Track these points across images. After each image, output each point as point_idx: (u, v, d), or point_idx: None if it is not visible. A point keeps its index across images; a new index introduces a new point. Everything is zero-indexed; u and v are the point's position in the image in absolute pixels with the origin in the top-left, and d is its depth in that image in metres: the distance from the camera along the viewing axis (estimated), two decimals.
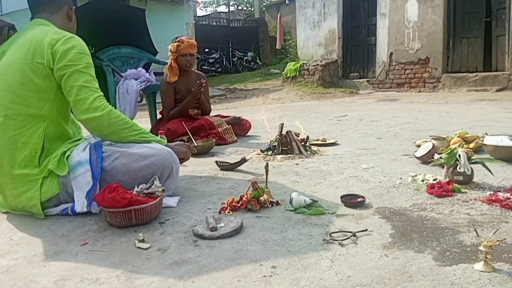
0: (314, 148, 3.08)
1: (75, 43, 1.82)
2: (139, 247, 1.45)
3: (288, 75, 11.36)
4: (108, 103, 1.85)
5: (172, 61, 3.75)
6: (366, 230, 1.51)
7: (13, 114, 1.77)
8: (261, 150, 3.07)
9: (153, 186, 1.76)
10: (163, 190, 1.77)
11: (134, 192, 1.71)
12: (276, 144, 2.97)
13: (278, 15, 16.56)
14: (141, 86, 4.17)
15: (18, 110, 1.77)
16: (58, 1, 1.98)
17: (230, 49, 17.63)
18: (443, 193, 1.87)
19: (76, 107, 1.81)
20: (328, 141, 3.36)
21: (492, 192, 1.87)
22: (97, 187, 1.79)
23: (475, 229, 1.41)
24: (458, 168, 2.00)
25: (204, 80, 3.80)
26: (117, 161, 1.84)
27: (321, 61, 10.73)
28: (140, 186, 1.76)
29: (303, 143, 3.02)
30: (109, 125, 1.83)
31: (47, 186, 1.79)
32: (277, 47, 16.54)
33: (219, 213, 1.78)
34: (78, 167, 1.80)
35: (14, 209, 1.88)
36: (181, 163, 2.10)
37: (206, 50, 16.18)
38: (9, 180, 1.80)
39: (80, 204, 1.79)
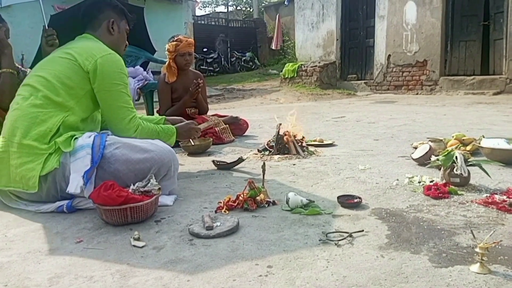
0: (311, 148, 3.08)
1: (117, 63, 2.01)
2: (134, 245, 1.45)
3: (286, 76, 11.36)
4: (139, 120, 2.07)
5: (171, 60, 3.75)
6: (363, 230, 1.51)
7: (42, 97, 1.90)
8: (258, 150, 3.06)
9: (149, 184, 1.76)
10: (159, 189, 1.76)
11: (130, 190, 1.70)
12: (273, 144, 2.97)
13: (277, 16, 16.57)
14: (138, 85, 4.17)
15: (48, 95, 1.90)
16: (97, 19, 2.14)
17: (229, 49, 17.62)
18: (439, 194, 1.87)
19: (112, 123, 2.04)
20: (325, 142, 3.36)
21: (488, 195, 1.87)
22: (94, 170, 1.80)
23: (471, 231, 1.41)
24: (455, 170, 2.01)
25: (202, 80, 3.79)
26: (118, 150, 1.87)
27: (319, 62, 10.74)
28: (136, 184, 1.75)
29: (300, 144, 3.02)
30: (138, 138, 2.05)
31: (50, 162, 1.82)
32: (272, 48, 16.53)
33: (215, 212, 1.77)
34: (80, 150, 1.82)
35: (9, 183, 1.86)
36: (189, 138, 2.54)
37: (205, 49, 16.17)
38: (17, 149, 1.83)
39: (74, 185, 1.77)
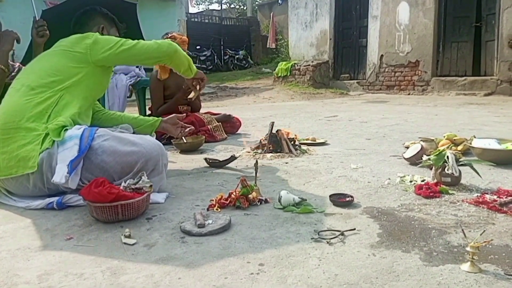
0: (304, 147, 3.09)
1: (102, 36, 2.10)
2: (125, 243, 1.44)
3: (279, 75, 11.37)
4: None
5: None
6: (354, 229, 1.51)
7: (36, 86, 1.94)
8: (251, 148, 3.06)
9: (140, 182, 1.74)
10: (150, 186, 1.75)
11: (121, 187, 1.69)
12: (266, 142, 2.96)
13: (271, 14, 16.57)
14: (130, 81, 4.15)
15: (42, 81, 1.95)
16: (87, 26, 2.23)
17: (222, 47, 17.58)
18: (430, 194, 1.88)
19: (151, 58, 2.14)
20: (317, 141, 3.36)
21: (479, 194, 1.88)
22: (80, 161, 1.78)
23: (462, 230, 1.41)
24: (446, 169, 2.02)
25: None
26: (106, 142, 1.85)
27: (312, 62, 10.76)
28: (128, 181, 1.74)
29: (293, 142, 3.02)
30: (177, 51, 2.19)
31: (45, 142, 1.81)
32: (268, 46, 16.54)
33: (207, 210, 1.77)
34: (68, 141, 1.80)
35: (6, 168, 1.83)
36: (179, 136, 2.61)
37: (198, 47, 16.12)
38: (13, 134, 1.84)
39: (60, 175, 1.74)
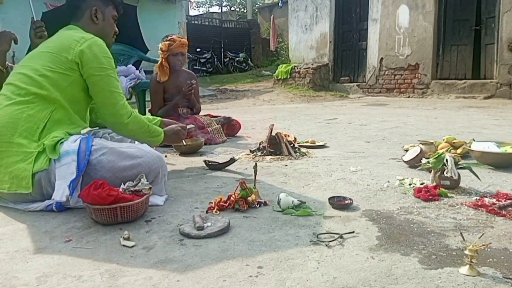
0: (303, 150, 3.09)
1: (103, 47, 1.98)
2: (124, 245, 1.44)
3: (279, 77, 11.39)
4: (131, 108, 2.05)
5: (163, 60, 3.73)
6: (353, 232, 1.51)
7: (26, 94, 1.88)
8: (250, 151, 3.06)
9: (139, 184, 1.75)
10: (149, 188, 1.75)
11: (121, 190, 1.69)
12: (265, 145, 2.96)
13: (272, 17, 16.60)
14: (130, 84, 4.15)
15: (32, 90, 1.88)
16: (79, 9, 2.10)
17: (222, 49, 17.61)
18: (430, 197, 1.88)
19: (104, 108, 1.99)
20: (317, 144, 3.36)
21: (478, 197, 1.88)
22: (80, 178, 1.78)
23: (461, 233, 1.42)
24: (445, 172, 2.02)
25: (195, 82, 3.78)
26: (104, 156, 1.83)
27: (312, 64, 10.77)
28: (127, 184, 1.74)
29: (292, 145, 3.02)
30: (130, 130, 2.04)
31: (40, 161, 1.79)
32: (271, 49, 16.57)
33: (206, 212, 1.77)
34: (65, 156, 1.79)
35: (1, 181, 1.82)
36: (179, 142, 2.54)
37: (198, 50, 16.14)
38: (6, 148, 1.80)
39: (60, 193, 1.75)
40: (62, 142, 1.84)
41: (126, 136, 2.14)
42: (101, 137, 2.16)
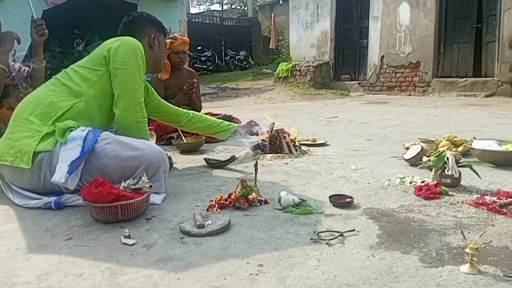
0: (304, 148, 3.08)
1: (134, 45, 2.03)
2: (124, 243, 1.44)
3: (280, 75, 11.38)
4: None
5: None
6: (354, 230, 1.51)
7: (60, 84, 2.00)
8: (250, 148, 3.06)
9: (140, 182, 1.74)
10: (150, 186, 1.75)
11: (121, 188, 1.69)
12: (266, 143, 2.96)
13: (272, 15, 16.58)
14: None
15: (65, 82, 2.00)
16: (137, 35, 2.15)
17: (223, 47, 17.59)
18: (430, 195, 1.88)
19: (120, 101, 2.00)
20: (318, 142, 3.36)
21: (479, 196, 1.88)
22: (82, 162, 1.78)
23: (461, 232, 1.42)
24: (446, 171, 2.02)
25: (196, 80, 3.78)
26: (109, 145, 1.84)
27: (313, 62, 10.77)
28: (128, 182, 1.74)
29: (293, 143, 3.01)
30: (137, 131, 2.04)
31: (46, 141, 1.82)
32: (270, 47, 16.55)
33: (207, 210, 1.77)
34: (72, 141, 1.81)
35: (6, 154, 1.85)
36: None
37: (199, 48, 16.12)
38: (21, 123, 1.88)
39: (60, 174, 1.74)
40: (72, 130, 1.87)
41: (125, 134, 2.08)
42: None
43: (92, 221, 1.66)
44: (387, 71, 9.46)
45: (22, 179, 1.86)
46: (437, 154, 2.11)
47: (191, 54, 15.09)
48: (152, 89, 2.52)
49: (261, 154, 2.92)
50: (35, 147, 1.79)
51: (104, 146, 1.84)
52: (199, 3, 31.11)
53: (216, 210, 1.76)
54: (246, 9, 24.57)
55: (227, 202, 1.80)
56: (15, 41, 2.40)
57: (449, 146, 2.75)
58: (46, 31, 2.48)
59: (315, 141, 3.36)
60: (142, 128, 2.07)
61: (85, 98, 1.98)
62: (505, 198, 1.80)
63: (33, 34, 2.48)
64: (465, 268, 1.19)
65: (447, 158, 2.03)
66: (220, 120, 2.76)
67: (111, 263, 1.30)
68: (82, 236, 1.53)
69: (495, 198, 1.80)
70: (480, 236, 1.30)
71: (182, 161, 2.85)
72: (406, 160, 2.56)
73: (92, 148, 1.80)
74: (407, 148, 2.86)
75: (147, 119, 2.10)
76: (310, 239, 1.44)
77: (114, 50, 1.99)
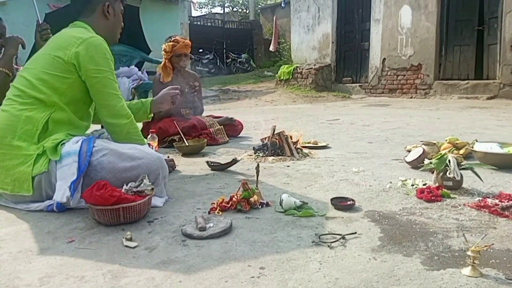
0: (306, 150, 3.09)
1: (101, 48, 1.94)
2: (126, 246, 1.44)
3: (282, 78, 11.38)
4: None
5: (166, 60, 3.74)
6: (355, 233, 1.51)
7: (27, 96, 1.89)
8: (253, 148, 3.06)
9: (142, 185, 1.75)
10: (152, 189, 1.76)
11: (123, 190, 1.69)
12: (268, 145, 2.96)
13: (274, 17, 16.59)
14: (133, 84, 4.16)
15: (31, 94, 1.88)
16: (90, 4, 2.06)
17: (224, 50, 17.62)
18: (432, 198, 1.88)
19: (102, 110, 1.99)
20: (319, 144, 3.36)
21: (481, 198, 1.88)
22: (80, 179, 1.78)
23: (463, 234, 1.41)
24: (447, 173, 2.01)
25: (198, 84, 3.79)
26: (105, 157, 1.83)
27: (314, 65, 10.77)
28: (129, 184, 1.74)
29: (294, 146, 3.02)
30: (127, 133, 2.02)
31: (39, 163, 1.80)
32: (270, 49, 16.55)
33: (209, 213, 1.77)
34: (66, 157, 1.79)
35: (2, 183, 1.85)
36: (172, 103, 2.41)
37: (200, 50, 16.15)
38: (7, 150, 1.82)
39: (61, 194, 1.75)
40: (64, 143, 1.84)
41: (123, 140, 2.02)
42: (105, 138, 2.15)
43: (94, 223, 1.66)
44: (389, 73, 9.45)
45: (24, 199, 1.86)
46: (439, 156, 2.11)
47: (193, 56, 15.11)
48: None
49: (262, 156, 2.92)
50: (31, 173, 1.78)
51: (100, 159, 1.82)
52: (201, 6, 31.20)
53: (218, 212, 1.76)
54: (247, 12, 24.61)
55: (229, 205, 1.80)
56: (20, 45, 2.41)
57: (451, 149, 2.74)
58: (51, 35, 2.49)
59: (317, 144, 3.36)
60: (131, 130, 2.03)
61: (59, 106, 1.91)
62: (507, 200, 1.79)
63: (37, 38, 2.50)
64: (467, 271, 1.19)
65: (449, 161, 2.03)
66: (139, 101, 2.48)
67: (113, 265, 1.30)
68: (84, 238, 1.53)
69: (497, 201, 1.80)
70: (482, 238, 1.30)
71: (183, 163, 2.85)
72: (408, 163, 2.56)
73: (88, 162, 1.79)
74: (409, 151, 2.85)
75: (132, 116, 2.04)
76: (312, 242, 1.44)
77: (84, 57, 1.88)
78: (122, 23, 2.21)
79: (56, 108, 1.91)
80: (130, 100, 4.20)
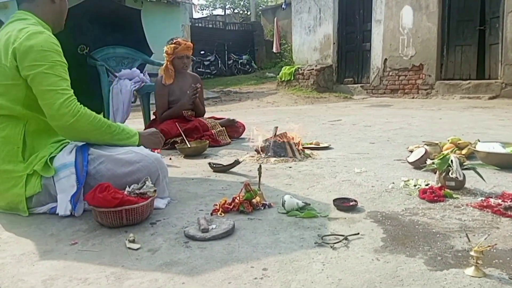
0: (308, 151, 3.09)
1: (37, 40, 1.70)
2: (129, 248, 1.44)
3: (283, 79, 11.39)
4: (79, 104, 1.76)
5: (168, 63, 3.75)
6: (358, 233, 1.51)
7: None
8: (255, 150, 3.06)
9: (144, 187, 1.75)
10: (154, 191, 1.76)
11: (126, 192, 1.70)
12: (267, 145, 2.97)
13: (275, 19, 16.61)
14: (135, 87, 4.16)
15: None
16: None
17: (226, 52, 17.64)
18: (435, 198, 1.88)
19: (44, 111, 1.75)
20: (321, 145, 3.36)
21: (483, 198, 1.88)
22: (81, 191, 1.76)
23: (466, 235, 1.41)
24: (450, 173, 2.01)
25: (199, 85, 3.80)
26: (102, 165, 1.80)
27: (316, 66, 10.77)
28: (132, 186, 1.74)
29: (296, 146, 3.02)
30: (80, 132, 1.78)
31: (31, 184, 1.77)
32: (274, 51, 16.58)
33: (211, 214, 1.77)
34: (63, 169, 1.77)
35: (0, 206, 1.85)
36: (152, 149, 2.04)
37: (202, 52, 16.19)
38: None
39: (63, 208, 1.75)
40: (53, 156, 1.80)
41: (83, 141, 1.85)
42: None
43: (97, 226, 1.67)
44: (390, 74, 9.45)
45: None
46: (441, 157, 2.10)
47: (194, 58, 15.15)
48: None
49: (264, 158, 2.92)
50: (24, 194, 1.76)
51: (98, 167, 1.80)
52: (202, 8, 31.23)
53: (220, 214, 1.76)
54: (248, 13, 24.62)
55: (231, 206, 1.80)
56: None
57: (453, 149, 2.74)
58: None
59: (319, 145, 3.36)
60: (82, 127, 1.75)
61: (29, 116, 1.79)
62: (509, 200, 1.79)
63: None
64: (470, 271, 1.19)
65: (451, 161, 2.03)
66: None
67: (116, 267, 1.30)
68: (87, 241, 1.53)
69: (499, 201, 1.79)
70: (485, 239, 1.29)
71: (186, 165, 2.86)
72: (410, 163, 2.56)
73: (86, 172, 1.76)
74: (411, 151, 2.86)
75: (81, 111, 1.75)
76: (315, 243, 1.44)
77: (19, 55, 1.68)
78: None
79: (27, 118, 1.79)
80: (132, 102, 4.22)
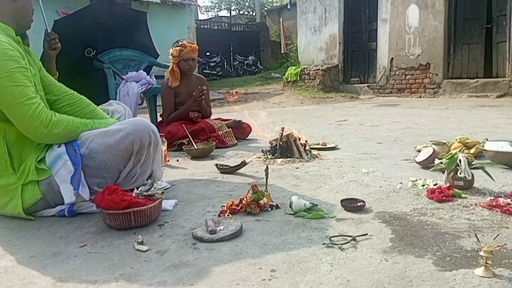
0: (314, 152, 3.08)
1: None
2: (138, 250, 1.45)
3: (289, 80, 11.37)
4: (49, 111, 1.74)
5: (174, 65, 3.76)
6: (366, 234, 1.50)
7: None
8: (262, 151, 3.06)
9: (152, 189, 1.76)
10: (162, 193, 1.77)
11: (134, 194, 1.71)
12: (277, 146, 2.97)
13: (280, 19, 16.61)
14: (141, 89, 4.19)
15: None
16: None
17: (231, 53, 17.66)
18: (443, 198, 1.87)
19: (17, 126, 1.70)
20: (328, 145, 3.35)
21: (492, 198, 1.86)
22: (80, 172, 1.76)
23: (475, 235, 1.40)
24: (458, 173, 2.00)
25: (205, 87, 3.81)
26: (93, 143, 1.81)
27: (322, 66, 10.75)
28: (140, 188, 1.76)
29: (303, 147, 3.01)
30: (59, 137, 1.78)
31: (29, 193, 1.77)
32: (282, 52, 16.60)
33: (219, 216, 1.77)
34: (57, 161, 1.78)
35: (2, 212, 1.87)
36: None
37: (207, 53, 16.22)
38: None
39: (68, 195, 1.76)
40: (40, 158, 1.79)
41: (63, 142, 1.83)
42: None
43: (106, 228, 1.68)
44: (397, 73, 9.41)
45: (35, 208, 1.85)
46: (449, 156, 2.09)
47: (200, 60, 15.18)
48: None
49: (271, 158, 2.92)
50: (22, 206, 1.76)
51: (90, 146, 1.80)
52: (207, 10, 31.28)
53: (228, 215, 1.76)
54: (254, 14, 24.64)
55: (239, 208, 1.80)
56: None
57: (461, 148, 2.73)
58: (59, 44, 2.50)
59: (325, 145, 3.36)
60: (58, 134, 1.75)
61: (4, 128, 1.75)
62: None
63: (46, 48, 2.51)
64: (479, 271, 1.18)
65: (460, 160, 2.02)
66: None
67: (125, 269, 1.31)
68: (96, 243, 1.54)
69: (509, 200, 1.78)
70: (494, 238, 1.28)
71: (193, 166, 2.86)
72: (418, 163, 2.54)
73: (81, 155, 1.77)
74: (419, 151, 2.84)
75: (53, 117, 1.73)
76: (323, 244, 1.44)
77: None
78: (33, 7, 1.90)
79: (4, 130, 1.75)
80: (139, 104, 4.24)
